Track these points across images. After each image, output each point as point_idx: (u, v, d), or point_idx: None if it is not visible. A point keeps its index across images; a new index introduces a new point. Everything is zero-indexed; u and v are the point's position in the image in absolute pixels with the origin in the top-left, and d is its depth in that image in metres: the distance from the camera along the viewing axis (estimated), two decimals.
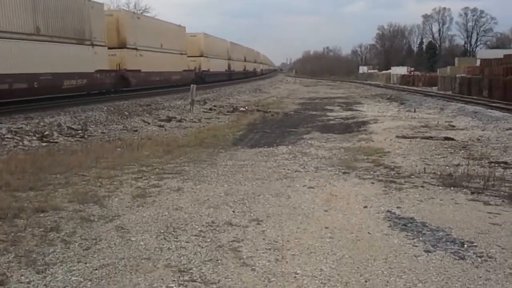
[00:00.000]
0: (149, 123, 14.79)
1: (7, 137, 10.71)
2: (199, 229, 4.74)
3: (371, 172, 7.43)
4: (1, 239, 4.29)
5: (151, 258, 3.98)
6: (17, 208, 5.17)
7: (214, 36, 46.46)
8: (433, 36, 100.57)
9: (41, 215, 5.02)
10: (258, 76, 73.68)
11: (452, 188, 6.42)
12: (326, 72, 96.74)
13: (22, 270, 3.70)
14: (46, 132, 11.64)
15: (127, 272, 3.71)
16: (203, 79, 38.30)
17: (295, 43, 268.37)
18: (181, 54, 34.42)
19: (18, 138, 10.78)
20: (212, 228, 4.78)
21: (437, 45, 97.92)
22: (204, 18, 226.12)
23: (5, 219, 4.81)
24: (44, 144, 10.40)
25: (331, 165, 8.01)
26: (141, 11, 54.89)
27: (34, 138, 10.98)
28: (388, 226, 4.85)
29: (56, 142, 10.65)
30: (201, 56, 40.13)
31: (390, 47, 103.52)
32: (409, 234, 4.63)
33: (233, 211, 5.36)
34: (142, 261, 3.93)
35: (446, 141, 10.52)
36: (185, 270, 3.76)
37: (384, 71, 71.58)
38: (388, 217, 5.14)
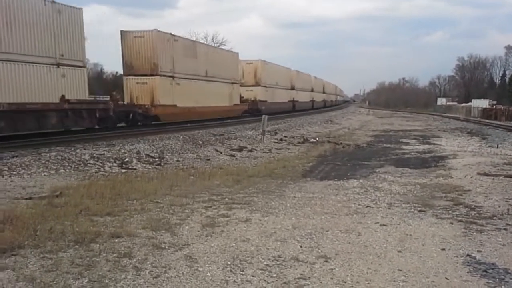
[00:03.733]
0: (221, 152, 15.12)
1: (89, 163, 11.44)
2: (265, 263, 4.69)
3: (450, 212, 6.99)
4: (77, 263, 4.52)
5: None
6: (94, 232, 5.44)
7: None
8: None
9: (116, 241, 5.24)
10: (328, 108, 71.62)
11: None
12: (401, 103, 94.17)
13: None
14: (126, 159, 12.28)
15: None
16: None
17: (369, 74, 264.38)
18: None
19: (100, 164, 11.47)
20: (278, 262, 4.71)
21: None
22: (279, 50, 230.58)
23: (82, 243, 5.07)
24: (123, 170, 10.96)
25: (405, 202, 7.65)
26: (218, 44, 57.11)
27: (114, 164, 11.62)
28: (468, 272, 4.52)
29: (135, 169, 11.18)
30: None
31: (471, 79, 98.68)
32: (490, 281, 4.29)
33: (300, 246, 5.25)
34: None
35: None
36: None
37: (463, 104, 68.37)
38: (468, 262, 4.79)
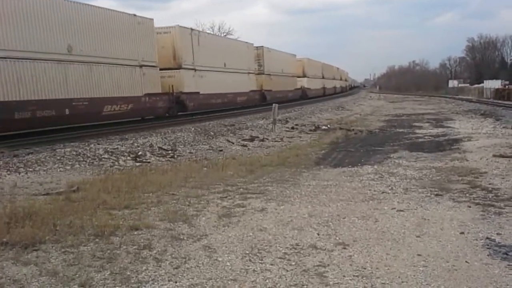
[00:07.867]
0: (233, 143, 15.15)
1: (104, 157, 11.53)
2: (283, 251, 4.70)
3: (467, 195, 6.94)
4: (98, 256, 4.58)
5: (237, 280, 4.01)
6: (113, 225, 5.49)
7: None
8: None
9: (135, 233, 5.29)
10: (338, 94, 70.32)
11: None
12: (412, 87, 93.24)
13: (117, 287, 3.90)
14: (140, 152, 12.36)
15: None
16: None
17: (379, 58, 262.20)
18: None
19: (114, 158, 11.56)
20: (296, 251, 4.72)
21: None
22: (284, 37, 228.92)
23: (102, 237, 5.13)
24: (137, 163, 11.04)
25: (421, 187, 7.60)
26: (225, 33, 56.86)
27: (128, 158, 11.71)
28: (488, 255, 4.48)
29: (149, 162, 11.26)
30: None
31: (482, 59, 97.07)
32: (511, 263, 4.24)
33: (318, 234, 5.25)
34: (229, 282, 3.97)
35: None
36: None
37: (475, 85, 67.47)
38: (487, 245, 4.75)
